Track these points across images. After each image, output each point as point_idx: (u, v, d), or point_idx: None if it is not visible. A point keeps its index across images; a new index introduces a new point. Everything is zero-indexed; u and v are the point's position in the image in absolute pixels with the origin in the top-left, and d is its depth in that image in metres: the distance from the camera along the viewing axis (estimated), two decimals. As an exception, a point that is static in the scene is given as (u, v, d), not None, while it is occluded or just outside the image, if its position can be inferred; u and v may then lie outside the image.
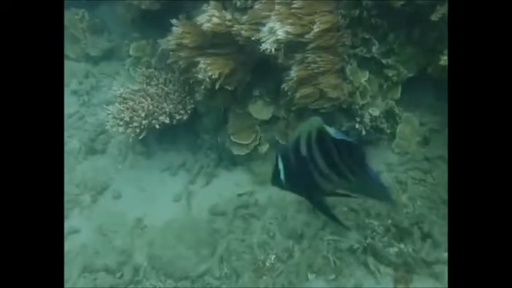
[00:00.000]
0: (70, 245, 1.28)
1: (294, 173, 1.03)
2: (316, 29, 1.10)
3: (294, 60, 1.20)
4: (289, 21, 1.10)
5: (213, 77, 1.27)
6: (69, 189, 1.41)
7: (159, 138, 1.52)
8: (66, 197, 1.38)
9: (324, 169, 1.01)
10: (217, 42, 1.28)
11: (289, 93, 1.32)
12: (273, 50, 1.15)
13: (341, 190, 1.06)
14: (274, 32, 1.11)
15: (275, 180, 1.07)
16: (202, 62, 1.28)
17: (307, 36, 1.11)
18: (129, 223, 1.34)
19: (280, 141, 1.42)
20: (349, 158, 1.01)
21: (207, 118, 1.50)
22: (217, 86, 1.31)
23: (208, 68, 1.27)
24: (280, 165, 1.04)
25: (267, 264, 1.25)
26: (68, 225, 1.33)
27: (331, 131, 1.04)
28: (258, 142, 1.43)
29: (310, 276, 1.19)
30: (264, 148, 1.44)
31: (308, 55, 1.15)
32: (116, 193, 1.42)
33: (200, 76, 1.29)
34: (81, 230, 1.32)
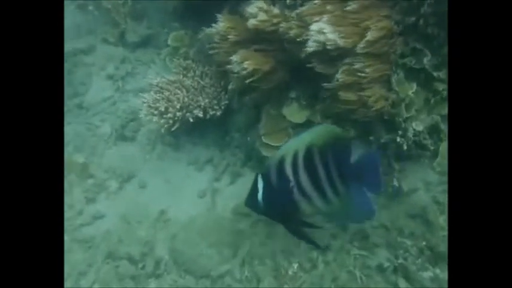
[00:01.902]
0: (95, 229, 1.28)
1: (273, 193, 1.01)
2: (370, 34, 1.04)
3: (339, 65, 1.15)
4: (341, 23, 1.05)
5: (250, 73, 1.24)
6: (98, 173, 1.41)
7: (188, 132, 1.50)
8: (94, 181, 1.39)
9: (307, 188, 1.00)
10: (260, 38, 1.24)
11: (328, 98, 1.28)
12: (317, 50, 1.11)
13: (318, 214, 1.04)
14: (324, 33, 1.07)
15: (250, 201, 1.05)
16: (242, 57, 1.25)
17: (358, 41, 1.06)
18: (152, 214, 1.33)
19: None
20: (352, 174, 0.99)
21: (239, 116, 1.47)
22: (253, 83, 1.28)
23: (246, 63, 1.23)
24: (260, 185, 1.02)
25: (290, 272, 1.21)
26: (94, 209, 1.33)
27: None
28: (289, 145, 1.39)
29: (334, 291, 1.15)
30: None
31: (356, 60, 1.10)
32: (142, 182, 1.41)
33: (237, 71, 1.25)
34: (106, 216, 1.32)
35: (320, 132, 1.04)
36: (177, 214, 1.34)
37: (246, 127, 1.47)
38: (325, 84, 1.19)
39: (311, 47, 1.10)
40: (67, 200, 1.34)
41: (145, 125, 1.52)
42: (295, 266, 1.22)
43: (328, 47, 1.09)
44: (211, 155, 1.49)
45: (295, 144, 1.01)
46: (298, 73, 1.36)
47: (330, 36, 1.07)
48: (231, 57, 1.24)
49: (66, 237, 1.25)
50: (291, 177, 0.99)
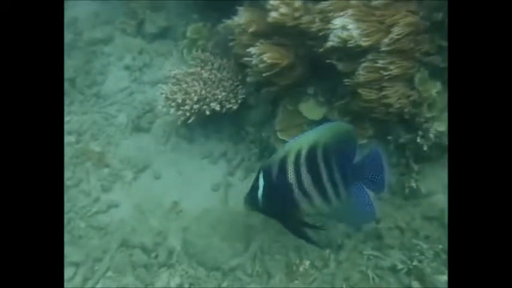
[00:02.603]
0: (110, 218, 1.30)
1: (274, 190, 1.00)
2: (395, 30, 1.02)
3: (361, 61, 1.13)
4: (366, 19, 1.03)
5: (269, 67, 1.22)
6: (113, 163, 1.42)
7: (203, 125, 1.50)
8: (109, 171, 1.40)
9: (308, 187, 0.99)
10: (281, 32, 1.22)
11: (347, 95, 1.26)
12: (338, 46, 1.09)
13: (319, 214, 1.03)
14: (347, 29, 1.04)
15: (250, 198, 1.05)
16: (261, 50, 1.23)
17: (382, 38, 1.04)
18: (165, 205, 1.34)
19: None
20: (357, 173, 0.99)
21: (255, 111, 1.46)
22: (271, 78, 1.26)
23: (265, 57, 1.22)
24: (261, 182, 1.02)
25: (301, 269, 1.21)
26: (108, 198, 1.34)
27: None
28: (304, 142, 1.37)
29: (346, 290, 1.14)
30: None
31: (379, 57, 1.07)
32: (156, 173, 1.42)
33: (256, 64, 1.24)
34: (120, 205, 1.33)
35: (326, 130, 1.02)
36: (189, 206, 1.35)
37: (261, 122, 1.46)
38: (346, 80, 1.16)
39: (333, 42, 1.08)
40: (84, 187, 1.35)
41: (160, 116, 1.53)
42: (307, 263, 1.21)
43: (350, 45, 1.07)
44: (225, 149, 1.48)
45: (299, 142, 1.00)
46: (317, 69, 1.33)
47: (354, 32, 1.05)
48: (250, 50, 1.23)
49: (82, 224, 1.27)
50: (293, 176, 0.98)
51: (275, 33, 1.24)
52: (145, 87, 1.61)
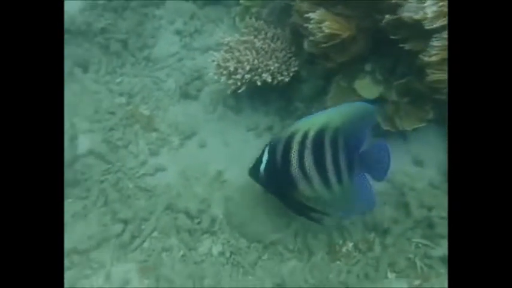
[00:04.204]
0: (157, 181, 1.32)
1: (275, 167, 1.01)
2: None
3: (432, 39, 1.04)
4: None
5: (327, 37, 1.15)
6: (162, 127, 1.43)
7: (251, 96, 1.47)
8: (157, 135, 1.41)
9: (309, 168, 0.98)
10: (346, 1, 1.14)
11: (410, 75, 1.18)
12: (410, 21, 1.01)
13: (317, 198, 1.03)
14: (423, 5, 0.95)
15: (253, 170, 1.07)
16: (321, 17, 1.15)
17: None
18: (210, 174, 1.34)
19: (382, 125, 1.29)
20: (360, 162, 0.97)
21: (306, 85, 1.41)
22: (328, 50, 1.19)
23: (325, 25, 1.14)
24: (265, 157, 1.03)
25: (343, 250, 1.19)
26: (156, 162, 1.37)
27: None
28: (355, 121, 1.32)
29: (390, 275, 1.11)
30: (363, 129, 1.33)
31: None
32: (202, 141, 1.42)
33: (313, 32, 1.16)
34: (167, 169, 1.35)
35: (342, 113, 0.99)
36: (233, 177, 1.35)
37: (311, 98, 1.41)
38: (421, 55, 1.06)
39: (407, 13, 0.99)
40: (132, 149, 1.38)
41: (209, 84, 1.51)
42: (350, 244, 1.19)
43: (426, 22, 0.98)
44: (271, 123, 1.45)
45: (310, 123, 0.99)
46: (378, 44, 1.25)
47: (429, 10, 0.96)
48: (309, 15, 1.16)
49: (130, 184, 1.30)
50: (295, 155, 0.97)
51: (339, 1, 1.16)
52: (195, 54, 1.59)
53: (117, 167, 1.34)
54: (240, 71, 1.29)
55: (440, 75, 1.06)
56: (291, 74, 1.34)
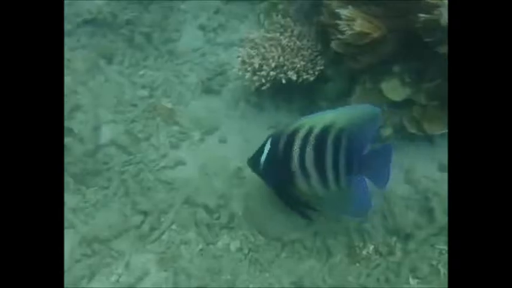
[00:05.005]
0: (176, 174, 1.32)
1: (276, 159, 1.01)
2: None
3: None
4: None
5: (356, 36, 1.13)
6: (183, 121, 1.43)
7: (274, 94, 1.46)
8: (179, 129, 1.42)
9: (309, 165, 0.98)
10: (377, 1, 1.12)
11: (439, 78, 1.15)
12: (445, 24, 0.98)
13: (314, 196, 1.03)
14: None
15: (253, 160, 1.08)
16: (351, 15, 1.13)
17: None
18: (230, 170, 1.34)
19: (408, 128, 1.27)
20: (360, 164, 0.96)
21: (331, 85, 1.39)
22: (356, 49, 1.18)
23: (355, 24, 1.13)
24: (267, 148, 1.03)
25: (364, 252, 1.17)
26: (176, 155, 1.37)
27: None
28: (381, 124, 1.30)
29: (412, 281, 1.09)
30: (387, 132, 1.31)
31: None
32: (222, 137, 1.42)
33: (343, 29, 1.14)
34: (187, 163, 1.35)
35: (348, 114, 0.99)
36: (253, 174, 1.33)
37: (335, 98, 1.39)
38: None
39: (444, 18, 0.97)
40: (153, 141, 1.39)
41: (231, 80, 1.50)
42: (371, 247, 1.17)
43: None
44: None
45: (315, 120, 0.98)
46: (408, 46, 1.23)
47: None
48: (339, 10, 1.14)
49: (150, 176, 1.30)
50: (297, 150, 0.97)
51: (371, 0, 1.14)
52: (219, 49, 1.58)
53: (138, 158, 1.35)
54: (265, 67, 1.28)
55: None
56: (316, 73, 1.33)
